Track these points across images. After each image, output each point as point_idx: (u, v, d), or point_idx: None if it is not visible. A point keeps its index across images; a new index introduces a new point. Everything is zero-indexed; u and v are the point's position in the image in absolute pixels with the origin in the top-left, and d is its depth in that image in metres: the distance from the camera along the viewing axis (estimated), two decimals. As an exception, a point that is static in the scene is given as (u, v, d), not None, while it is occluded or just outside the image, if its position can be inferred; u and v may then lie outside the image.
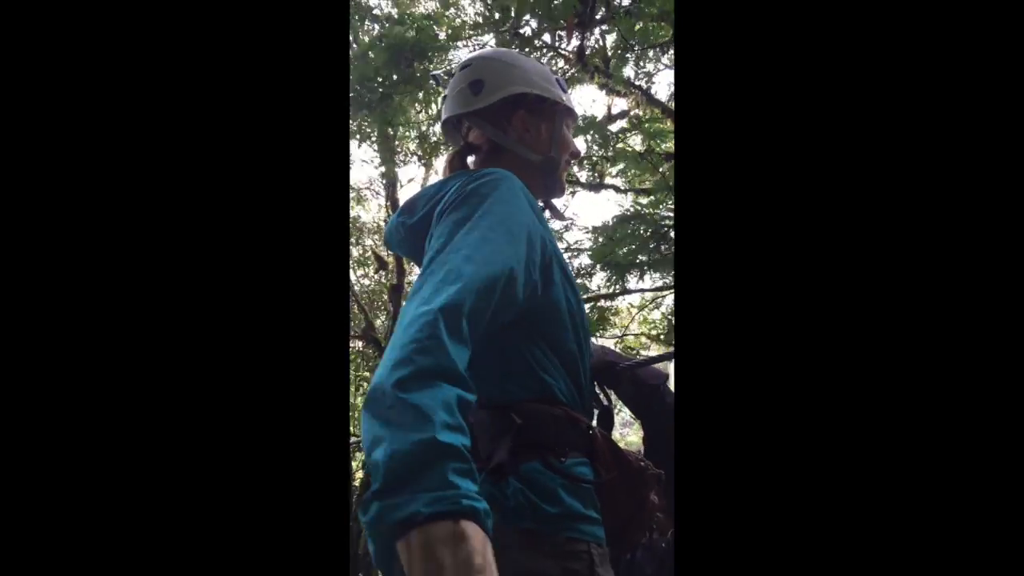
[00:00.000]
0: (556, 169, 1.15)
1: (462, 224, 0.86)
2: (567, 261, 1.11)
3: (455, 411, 0.63)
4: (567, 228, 6.55)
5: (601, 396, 1.17)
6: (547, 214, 1.19)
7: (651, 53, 4.82)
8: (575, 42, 4.28)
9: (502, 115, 1.16)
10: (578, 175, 6.06)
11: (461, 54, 4.62)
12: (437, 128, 6.40)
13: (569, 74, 4.65)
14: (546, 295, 0.95)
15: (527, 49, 4.37)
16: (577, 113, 1.23)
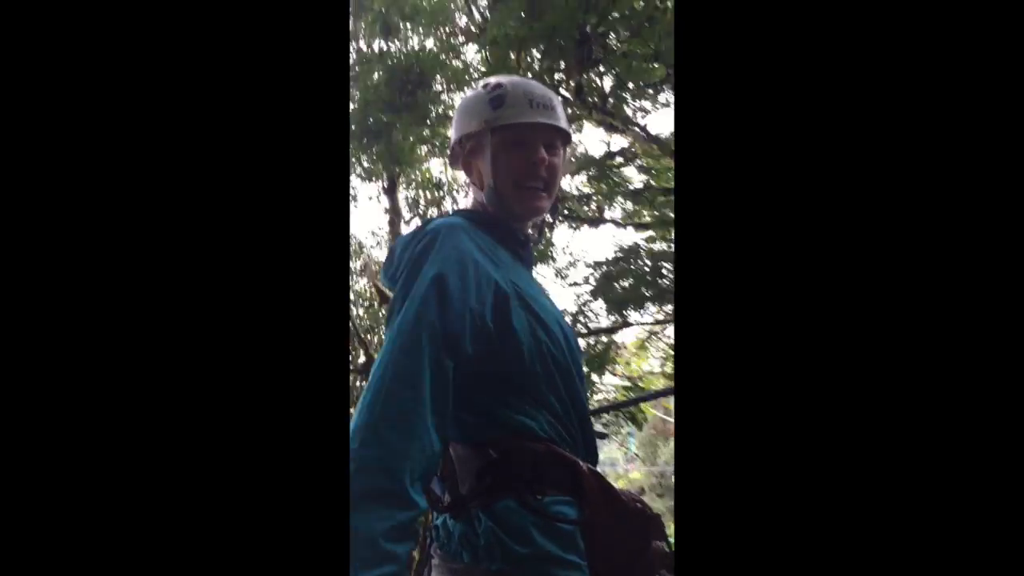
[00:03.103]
0: (503, 200, 1.08)
1: (398, 300, 0.94)
2: (546, 299, 1.09)
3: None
4: (571, 264, 6.58)
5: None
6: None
7: (649, 91, 4.91)
8: (573, 82, 4.38)
9: (461, 164, 1.17)
10: (577, 211, 6.12)
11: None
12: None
13: (570, 113, 4.75)
14: (504, 338, 0.94)
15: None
16: (519, 123, 1.07)
